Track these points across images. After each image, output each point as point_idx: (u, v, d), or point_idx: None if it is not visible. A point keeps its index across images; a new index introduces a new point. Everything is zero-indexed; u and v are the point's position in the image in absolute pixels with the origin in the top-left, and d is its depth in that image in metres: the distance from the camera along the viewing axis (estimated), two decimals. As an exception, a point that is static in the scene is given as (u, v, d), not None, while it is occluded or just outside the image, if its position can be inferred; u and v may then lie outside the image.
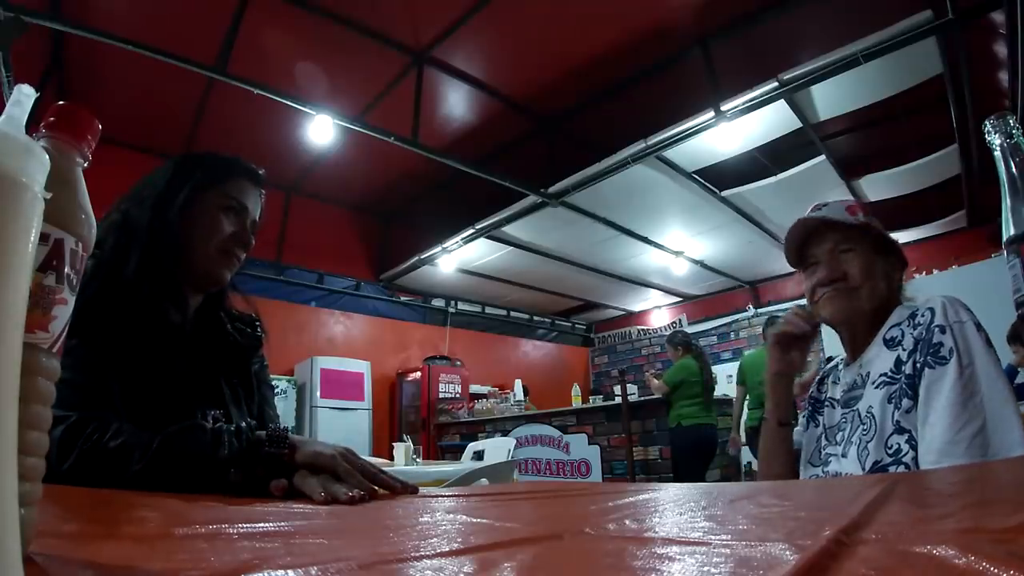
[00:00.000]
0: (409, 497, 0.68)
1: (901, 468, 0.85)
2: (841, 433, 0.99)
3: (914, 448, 0.85)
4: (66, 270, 0.29)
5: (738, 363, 4.85)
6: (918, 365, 0.87)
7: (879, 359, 0.95)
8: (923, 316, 0.90)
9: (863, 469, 0.89)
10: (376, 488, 0.67)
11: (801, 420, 1.16)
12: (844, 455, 0.95)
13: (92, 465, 0.65)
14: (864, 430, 0.92)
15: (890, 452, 0.87)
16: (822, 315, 1.03)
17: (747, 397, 4.66)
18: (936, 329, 0.87)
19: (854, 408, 0.97)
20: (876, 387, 0.93)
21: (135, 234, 0.86)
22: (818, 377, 1.15)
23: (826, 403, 1.08)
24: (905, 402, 0.87)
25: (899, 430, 0.87)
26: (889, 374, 0.92)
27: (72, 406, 0.67)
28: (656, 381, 4.72)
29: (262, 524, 0.42)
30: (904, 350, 0.91)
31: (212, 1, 3.68)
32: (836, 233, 1.01)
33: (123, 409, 0.74)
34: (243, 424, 0.72)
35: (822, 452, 1.02)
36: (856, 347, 1.03)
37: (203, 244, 0.90)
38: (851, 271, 0.99)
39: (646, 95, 4.67)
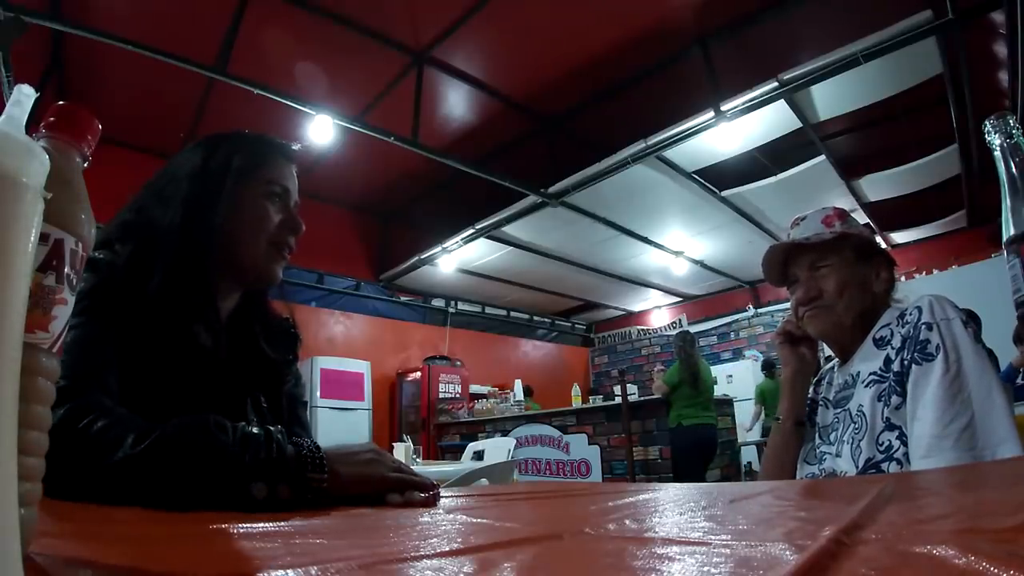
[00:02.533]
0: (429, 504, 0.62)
1: (893, 464, 0.86)
2: (834, 433, 1.01)
3: (905, 444, 0.86)
4: (66, 270, 0.29)
5: (734, 362, 5.04)
6: (906, 362, 0.88)
7: (869, 359, 0.97)
8: (911, 315, 0.91)
9: (856, 467, 0.90)
10: (437, 484, 0.66)
11: None
12: (838, 454, 0.97)
13: (69, 449, 0.52)
14: (856, 428, 0.94)
15: (881, 449, 0.88)
16: (809, 332, 1.07)
17: (763, 417, 5.42)
18: (923, 326, 0.88)
19: (845, 408, 0.99)
20: (866, 386, 0.95)
21: (161, 241, 0.74)
22: (815, 378, 1.16)
23: (820, 403, 1.09)
24: (894, 399, 0.89)
25: (889, 427, 0.88)
26: (878, 372, 0.93)
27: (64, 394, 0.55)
28: (657, 380, 4.74)
29: (262, 524, 0.42)
30: (893, 348, 0.92)
31: (212, 1, 3.68)
32: (812, 252, 1.03)
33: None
34: (273, 429, 0.59)
35: (817, 451, 1.04)
36: (845, 353, 1.04)
37: (252, 240, 0.80)
38: (826, 288, 1.01)
39: (646, 95, 4.68)
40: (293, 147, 0.88)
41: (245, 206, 0.80)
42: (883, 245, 1.11)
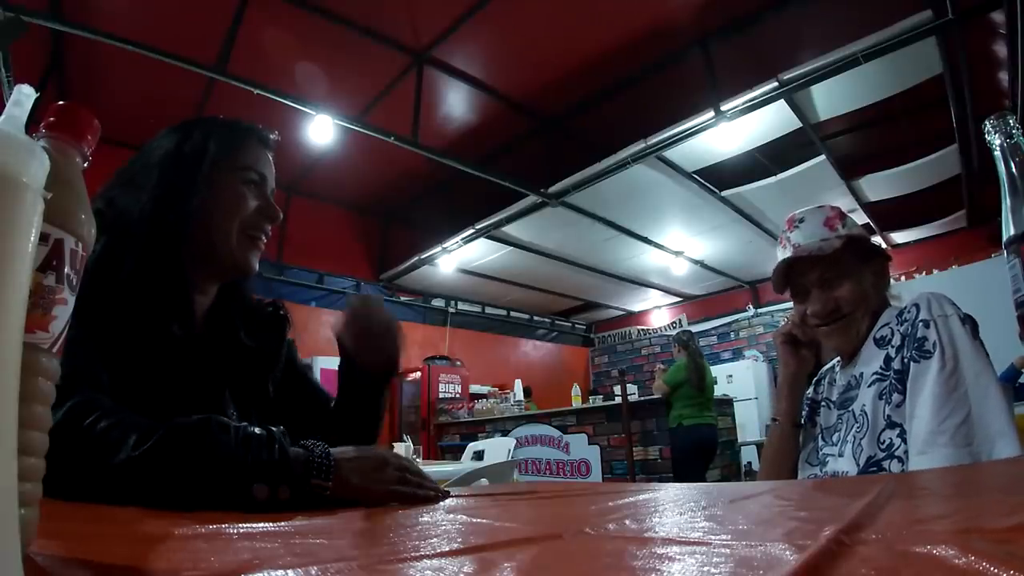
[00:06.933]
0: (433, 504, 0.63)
1: (895, 462, 0.86)
2: (837, 433, 1.00)
3: (906, 442, 0.86)
4: (66, 270, 0.29)
5: (733, 362, 4.95)
6: (905, 360, 0.88)
7: (871, 359, 0.97)
8: (909, 312, 0.92)
9: (858, 465, 0.90)
10: (446, 492, 0.66)
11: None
12: (840, 454, 0.96)
13: (70, 450, 0.51)
14: (858, 428, 0.94)
15: (883, 447, 0.88)
16: (828, 345, 1.06)
17: None
18: (921, 324, 0.88)
19: (849, 409, 0.99)
20: (869, 386, 0.95)
21: (130, 229, 0.71)
22: (815, 379, 1.16)
23: (822, 404, 1.09)
24: (895, 397, 0.89)
25: (890, 425, 0.88)
26: (879, 371, 0.93)
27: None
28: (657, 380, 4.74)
29: (262, 524, 0.42)
30: (893, 347, 0.92)
31: (212, 1, 3.68)
32: (821, 262, 1.00)
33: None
34: (276, 430, 0.59)
35: (819, 452, 1.03)
36: (851, 356, 1.04)
37: (226, 227, 0.77)
38: (842, 297, 0.99)
39: (646, 95, 4.68)
40: (270, 135, 0.86)
41: (220, 192, 0.77)
42: (879, 242, 1.10)
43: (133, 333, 0.67)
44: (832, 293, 1.00)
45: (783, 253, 1.07)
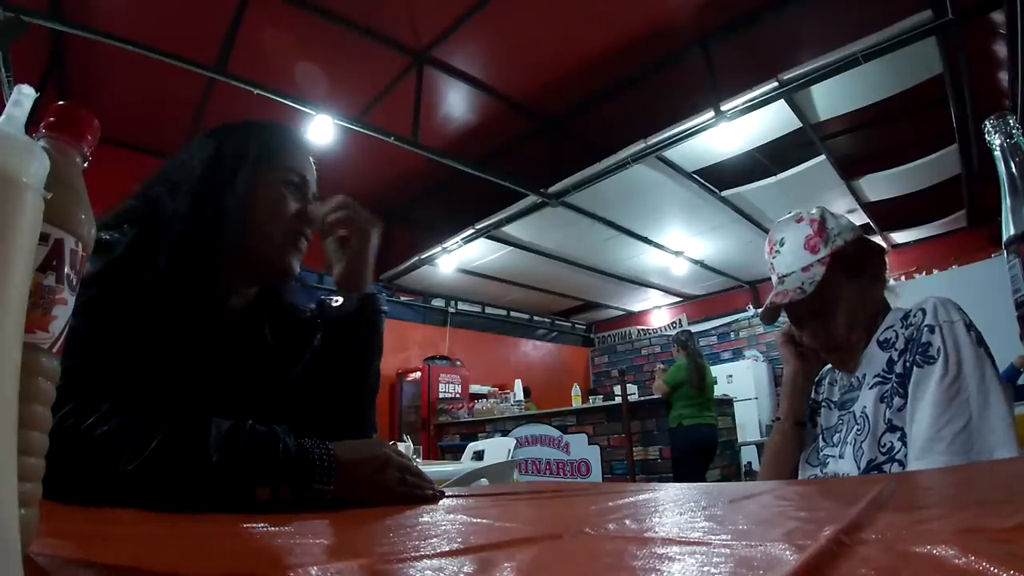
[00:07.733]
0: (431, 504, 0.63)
1: (895, 465, 0.86)
2: (838, 435, 1.00)
3: (906, 445, 0.86)
4: (66, 270, 0.29)
5: (733, 362, 4.95)
6: (908, 364, 0.88)
7: (873, 361, 0.96)
8: (915, 316, 0.91)
9: (859, 468, 0.90)
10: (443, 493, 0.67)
11: None
12: (841, 456, 0.96)
13: (68, 456, 0.51)
14: (859, 430, 0.93)
15: (883, 450, 0.88)
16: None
17: None
18: (926, 329, 0.88)
19: (850, 410, 0.99)
20: (870, 388, 0.94)
21: (165, 229, 0.70)
22: (816, 379, 1.16)
23: (823, 404, 1.09)
24: (897, 400, 0.88)
25: (891, 428, 0.88)
26: (882, 374, 0.93)
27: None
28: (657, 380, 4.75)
29: (262, 524, 0.42)
30: (896, 350, 0.92)
31: (212, 1, 3.68)
32: (807, 299, 0.98)
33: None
34: (280, 430, 0.58)
35: (820, 453, 1.03)
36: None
37: (267, 230, 0.77)
38: (836, 330, 0.99)
39: (646, 95, 4.67)
40: (308, 139, 0.87)
41: (261, 194, 0.77)
42: (876, 240, 1.09)
43: (157, 327, 0.66)
44: (822, 327, 1.00)
45: (771, 275, 1.07)
